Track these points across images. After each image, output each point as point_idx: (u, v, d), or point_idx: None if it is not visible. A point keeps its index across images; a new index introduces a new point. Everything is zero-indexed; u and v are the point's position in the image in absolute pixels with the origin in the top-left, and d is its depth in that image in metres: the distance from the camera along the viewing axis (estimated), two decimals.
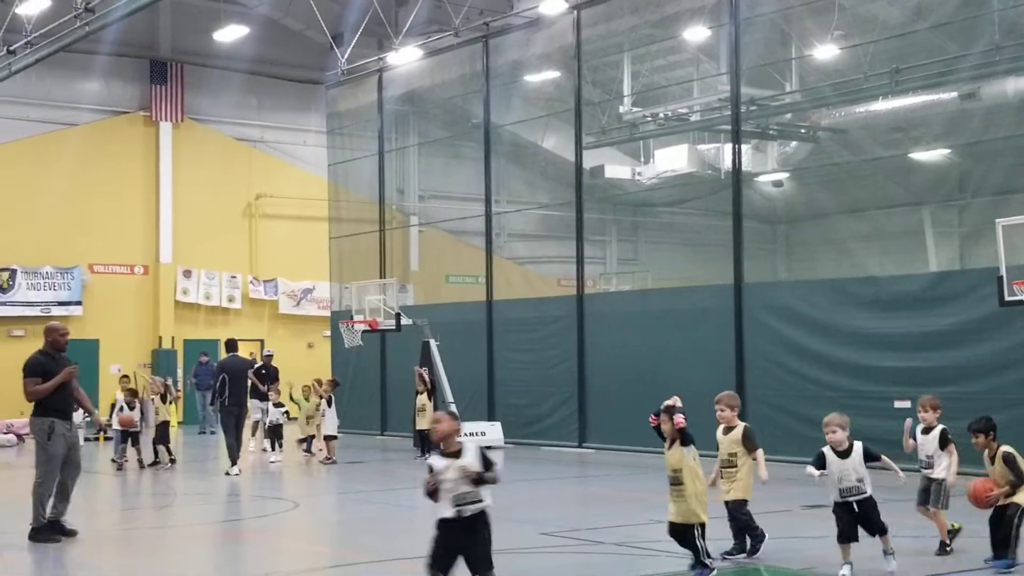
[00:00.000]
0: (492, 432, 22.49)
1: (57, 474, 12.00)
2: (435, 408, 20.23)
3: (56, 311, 31.28)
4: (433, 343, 22.88)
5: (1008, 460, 9.43)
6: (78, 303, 31.73)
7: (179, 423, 31.02)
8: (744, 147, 21.59)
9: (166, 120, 33.20)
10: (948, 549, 10.10)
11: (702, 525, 9.09)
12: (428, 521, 9.93)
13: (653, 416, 9.26)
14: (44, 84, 31.12)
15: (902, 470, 9.39)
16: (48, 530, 11.86)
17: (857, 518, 9.18)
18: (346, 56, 27.85)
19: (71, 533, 12.02)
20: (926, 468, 10.15)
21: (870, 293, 18.45)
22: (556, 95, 27.13)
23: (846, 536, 9.20)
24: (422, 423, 21.11)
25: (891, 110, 24.47)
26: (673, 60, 27.83)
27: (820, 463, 9.23)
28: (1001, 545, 9.41)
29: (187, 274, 33.45)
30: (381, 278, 26.89)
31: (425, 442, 20.98)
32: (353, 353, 25.77)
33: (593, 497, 16.27)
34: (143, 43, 33.07)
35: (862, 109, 25.12)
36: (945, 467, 10.01)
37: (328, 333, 30.67)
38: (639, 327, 21.86)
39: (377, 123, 28.62)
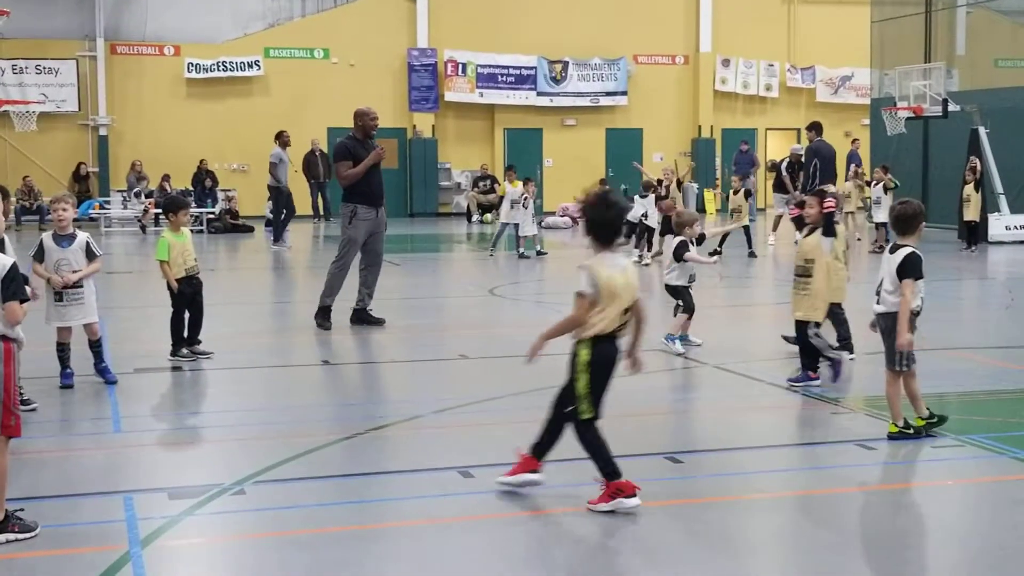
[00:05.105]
0: None
1: (352, 258, 11.73)
2: (983, 200, 19.40)
3: (604, 101, 33.02)
4: (982, 131, 21.77)
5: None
6: (623, 93, 33.16)
7: (716, 210, 32.02)
8: None
9: None
10: None
11: (817, 324, 8.69)
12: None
13: (795, 207, 9.08)
14: None
15: None
16: (322, 315, 11.56)
17: None
18: None
19: (378, 322, 11.75)
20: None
21: None
22: None
23: None
24: (968, 214, 20.43)
25: None
26: None
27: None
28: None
29: (725, 63, 33.79)
30: (926, 62, 25.71)
31: (972, 233, 20.29)
32: (893, 142, 25.08)
33: None
34: None
35: None
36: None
37: (867, 122, 29.95)
38: None
39: None
